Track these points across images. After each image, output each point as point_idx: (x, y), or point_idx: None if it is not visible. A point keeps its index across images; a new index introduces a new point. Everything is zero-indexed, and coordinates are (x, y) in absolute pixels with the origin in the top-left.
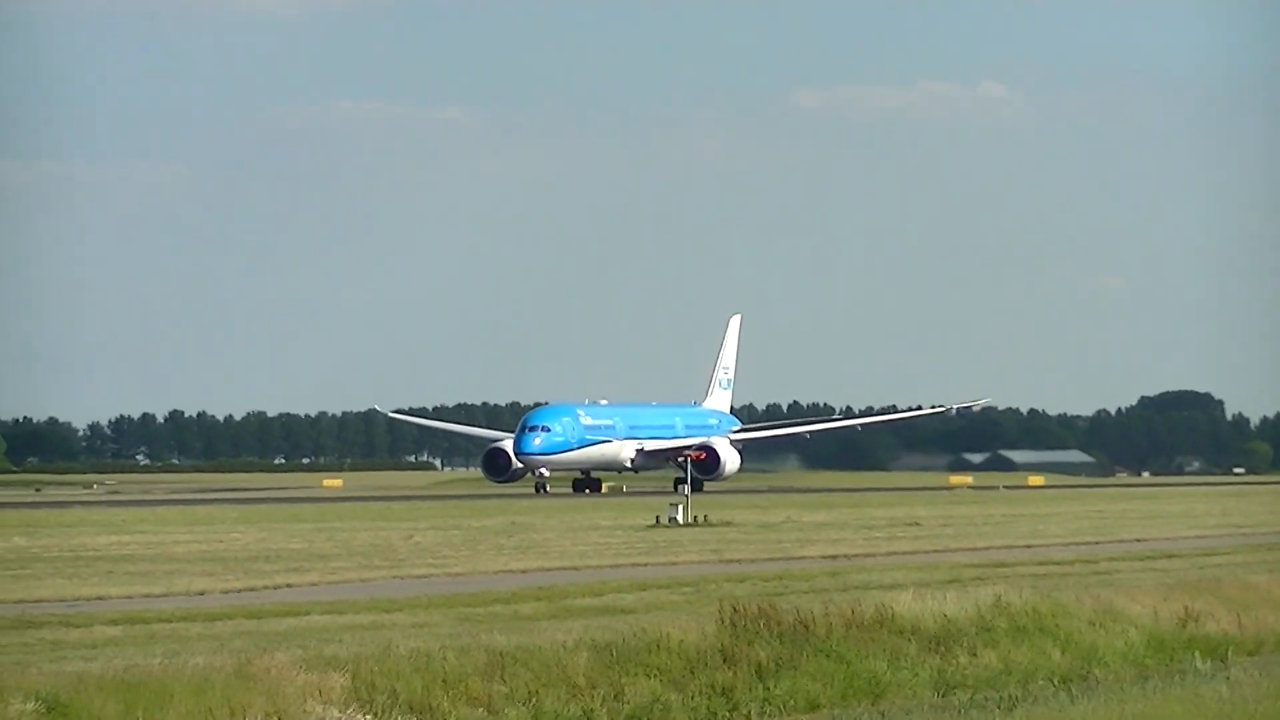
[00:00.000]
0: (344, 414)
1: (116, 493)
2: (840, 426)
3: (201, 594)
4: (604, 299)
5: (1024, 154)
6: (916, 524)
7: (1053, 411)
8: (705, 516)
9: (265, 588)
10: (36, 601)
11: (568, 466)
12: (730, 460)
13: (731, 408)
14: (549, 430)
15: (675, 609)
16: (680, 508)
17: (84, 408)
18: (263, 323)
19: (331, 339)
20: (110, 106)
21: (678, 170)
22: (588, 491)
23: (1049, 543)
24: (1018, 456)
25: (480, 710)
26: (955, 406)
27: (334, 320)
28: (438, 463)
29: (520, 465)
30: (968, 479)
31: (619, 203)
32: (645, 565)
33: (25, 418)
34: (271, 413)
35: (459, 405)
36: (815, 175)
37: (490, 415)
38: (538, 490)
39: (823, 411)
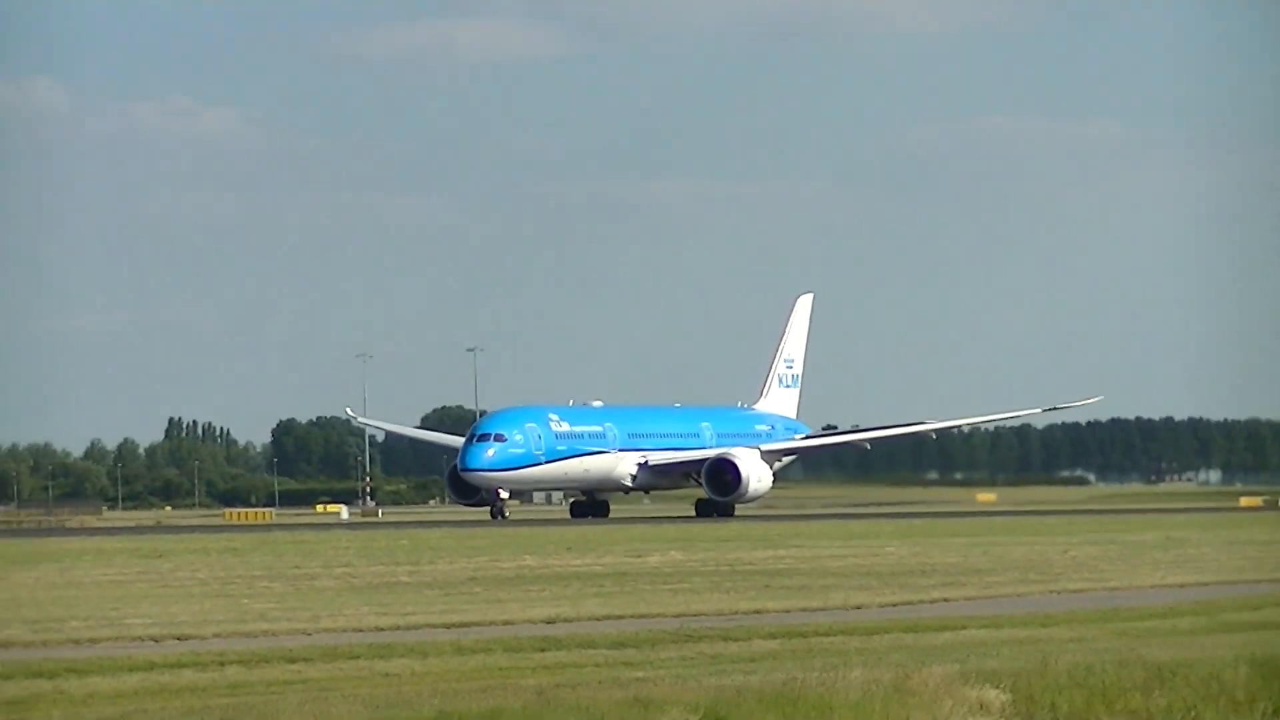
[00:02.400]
0: (996, 429)
1: (771, 507)
2: (909, 434)
3: (858, 608)
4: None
5: None
6: None
7: None
8: None
9: (921, 602)
10: (695, 615)
11: (535, 485)
12: (755, 476)
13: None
14: (503, 440)
15: None
16: None
17: None
18: (922, 336)
19: (986, 352)
20: (763, 127)
21: None
22: (590, 517)
23: None
24: None
25: None
26: (1047, 408)
27: (996, 332)
28: (1091, 476)
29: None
30: None
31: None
32: None
33: None
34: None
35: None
36: None
37: None
38: (494, 516)
39: None
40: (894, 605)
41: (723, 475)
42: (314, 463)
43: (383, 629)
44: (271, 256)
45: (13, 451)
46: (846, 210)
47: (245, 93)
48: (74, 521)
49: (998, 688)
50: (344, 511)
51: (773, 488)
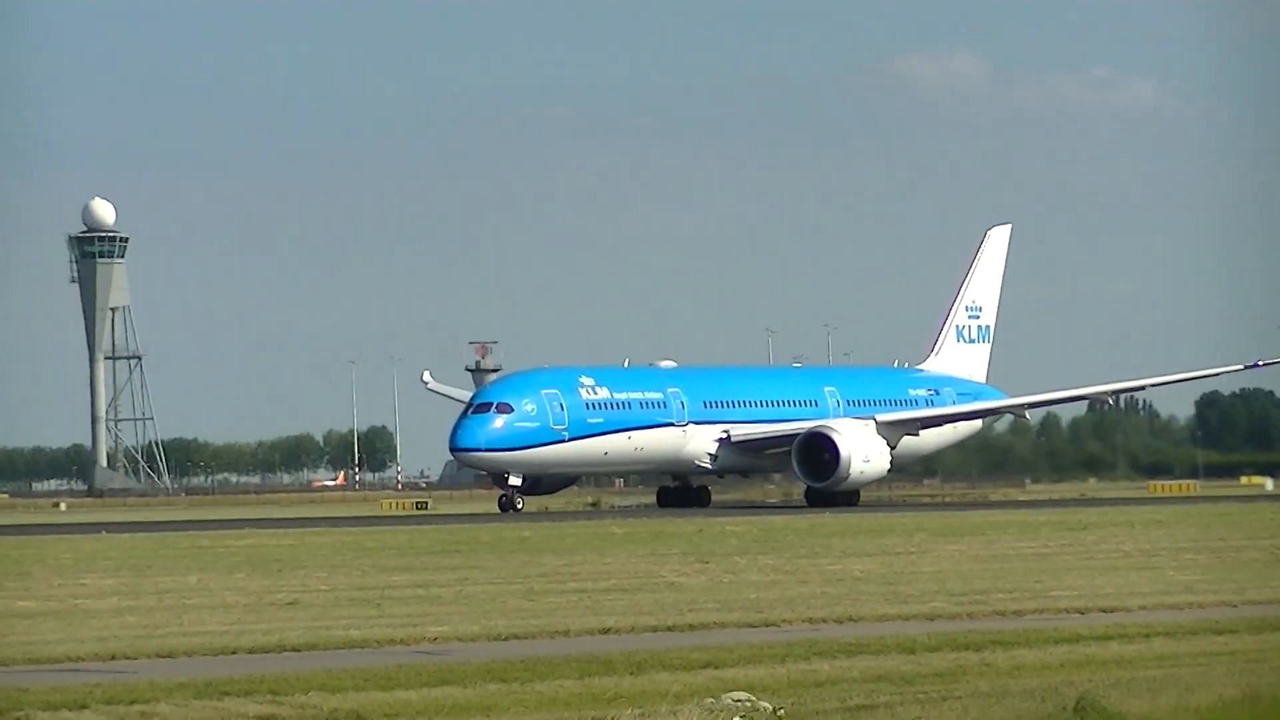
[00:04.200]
0: None
1: None
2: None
3: None
4: None
5: None
6: None
7: None
8: None
9: None
10: None
11: (558, 468)
12: (859, 455)
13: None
14: (509, 411)
15: None
16: None
17: None
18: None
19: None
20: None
21: None
22: (681, 508)
23: None
24: None
25: None
26: (1249, 365)
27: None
28: None
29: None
30: None
31: None
32: None
33: None
34: None
35: None
36: None
37: None
38: (504, 509)
39: None
40: None
41: (819, 454)
42: (1238, 435)
43: None
44: (1184, 229)
45: None
46: None
47: (1167, 64)
48: (997, 494)
49: None
50: (1268, 483)
51: None
